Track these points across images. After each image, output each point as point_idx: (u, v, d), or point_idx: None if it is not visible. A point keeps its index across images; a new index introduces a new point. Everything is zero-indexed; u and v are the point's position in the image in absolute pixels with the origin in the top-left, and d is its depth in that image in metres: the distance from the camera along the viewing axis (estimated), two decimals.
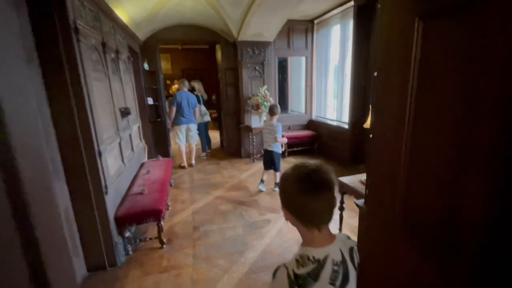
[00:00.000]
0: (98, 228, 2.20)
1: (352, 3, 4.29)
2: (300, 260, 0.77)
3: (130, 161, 3.11)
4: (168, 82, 13.31)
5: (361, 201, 1.48)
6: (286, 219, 0.83)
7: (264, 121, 4.12)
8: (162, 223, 2.56)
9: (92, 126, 2.06)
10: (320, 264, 0.76)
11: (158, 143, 5.36)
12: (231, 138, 5.89)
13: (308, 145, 5.74)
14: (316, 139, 5.69)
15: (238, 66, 5.28)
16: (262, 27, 4.72)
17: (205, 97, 5.84)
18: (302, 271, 0.75)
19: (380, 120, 1.10)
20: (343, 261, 0.80)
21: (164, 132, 5.39)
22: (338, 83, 5.23)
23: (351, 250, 0.84)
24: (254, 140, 5.36)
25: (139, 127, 3.85)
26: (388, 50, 1.02)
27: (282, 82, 6.26)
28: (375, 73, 1.08)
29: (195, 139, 5.18)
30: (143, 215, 2.45)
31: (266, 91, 5.23)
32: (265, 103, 5.13)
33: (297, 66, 6.56)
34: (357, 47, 4.33)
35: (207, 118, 5.87)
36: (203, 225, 3.07)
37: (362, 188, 2.14)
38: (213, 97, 7.66)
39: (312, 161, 0.84)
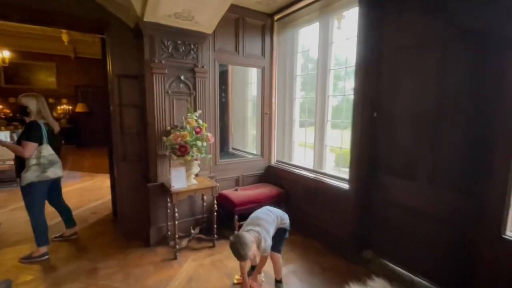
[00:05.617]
0: None
1: None
2: None
3: None
4: (51, 100, 9.75)
5: None
6: None
7: None
8: None
9: None
10: None
11: None
12: (131, 205, 3.15)
13: None
14: (282, 199, 3.49)
15: (145, 70, 2.76)
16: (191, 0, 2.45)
17: (56, 127, 2.86)
18: None
19: None
20: None
21: None
22: (318, 112, 3.28)
23: None
24: (177, 212, 2.77)
25: None
26: None
27: (222, 105, 3.97)
28: None
29: None
30: None
31: (200, 121, 2.84)
32: (199, 142, 2.71)
33: (241, 79, 4.42)
34: (366, 52, 2.48)
35: (59, 171, 2.88)
36: None
37: None
38: None
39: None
